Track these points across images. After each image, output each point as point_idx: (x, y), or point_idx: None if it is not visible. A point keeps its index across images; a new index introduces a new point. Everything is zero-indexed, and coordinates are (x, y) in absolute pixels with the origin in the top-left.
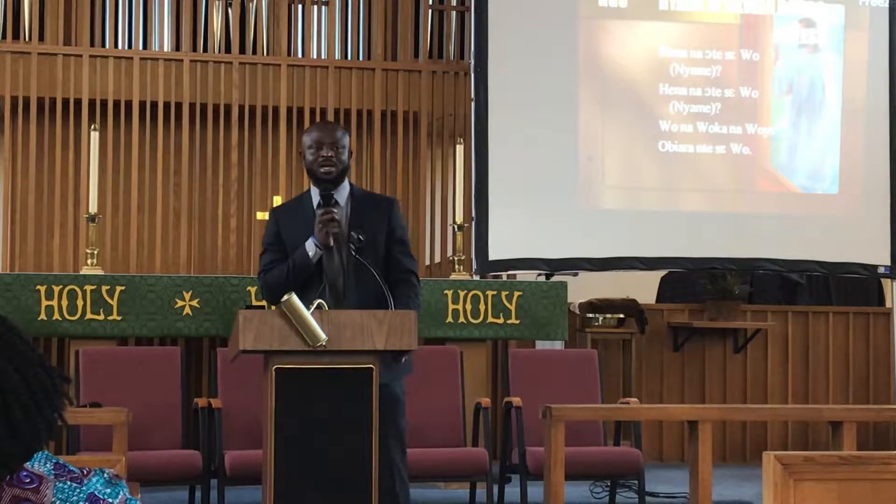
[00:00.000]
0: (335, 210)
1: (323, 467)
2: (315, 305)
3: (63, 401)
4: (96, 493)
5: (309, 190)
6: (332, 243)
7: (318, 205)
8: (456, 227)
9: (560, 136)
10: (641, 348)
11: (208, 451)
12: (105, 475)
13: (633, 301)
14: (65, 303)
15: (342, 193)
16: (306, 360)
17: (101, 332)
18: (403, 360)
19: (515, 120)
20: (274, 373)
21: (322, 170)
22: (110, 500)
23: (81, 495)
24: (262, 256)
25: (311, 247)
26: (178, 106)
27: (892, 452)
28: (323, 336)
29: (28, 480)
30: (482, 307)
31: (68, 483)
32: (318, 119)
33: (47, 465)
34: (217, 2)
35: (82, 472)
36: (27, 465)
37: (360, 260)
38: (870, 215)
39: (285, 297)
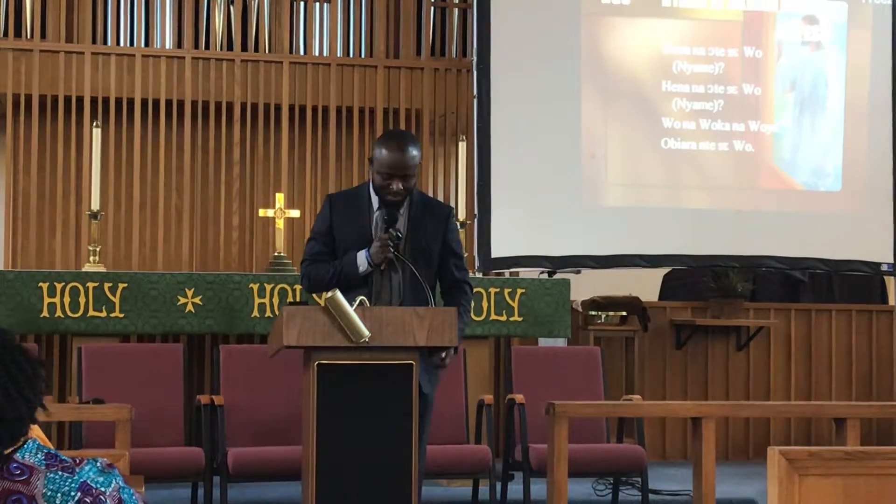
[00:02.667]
0: (398, 232)
1: (364, 461)
2: (358, 302)
3: (42, 384)
4: (89, 481)
5: (367, 184)
6: (383, 268)
7: (380, 220)
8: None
9: (562, 134)
10: (644, 346)
11: (211, 448)
12: (98, 464)
13: (636, 298)
14: (67, 300)
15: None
16: (348, 355)
17: (103, 329)
18: (444, 355)
19: (518, 117)
20: (316, 368)
21: (389, 198)
22: (103, 489)
23: (73, 485)
24: (308, 243)
25: (362, 262)
26: (181, 103)
27: None
28: (366, 332)
29: (18, 472)
30: (485, 304)
31: (60, 473)
32: (319, 117)
33: (38, 456)
34: None
35: (74, 462)
36: (17, 456)
37: (400, 258)
38: (873, 213)
39: (329, 294)
